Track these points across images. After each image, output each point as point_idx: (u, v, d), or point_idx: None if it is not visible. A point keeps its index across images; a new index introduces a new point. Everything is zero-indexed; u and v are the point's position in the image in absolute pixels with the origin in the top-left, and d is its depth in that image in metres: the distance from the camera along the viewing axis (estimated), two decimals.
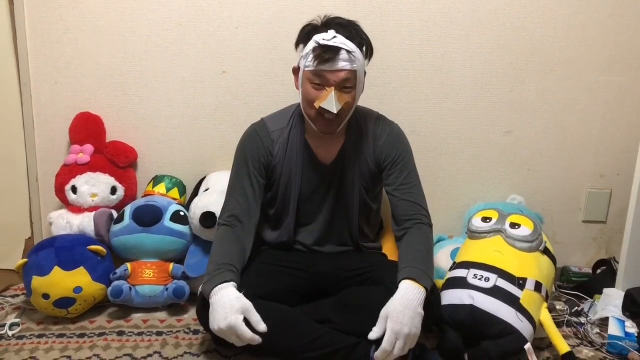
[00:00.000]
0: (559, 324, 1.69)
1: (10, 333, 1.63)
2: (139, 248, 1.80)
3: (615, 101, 1.99)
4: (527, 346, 1.46)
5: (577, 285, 1.96)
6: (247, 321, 1.32)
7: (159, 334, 1.65)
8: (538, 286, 1.57)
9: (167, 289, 1.77)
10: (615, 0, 1.90)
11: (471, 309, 1.51)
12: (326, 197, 1.65)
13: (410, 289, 1.35)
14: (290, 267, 1.60)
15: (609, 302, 1.71)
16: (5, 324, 1.66)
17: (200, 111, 1.97)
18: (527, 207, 1.95)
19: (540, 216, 1.96)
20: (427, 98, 1.97)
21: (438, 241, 1.97)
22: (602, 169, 2.05)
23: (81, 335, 1.63)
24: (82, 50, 1.91)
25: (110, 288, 1.72)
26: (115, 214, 1.89)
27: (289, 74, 1.59)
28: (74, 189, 1.88)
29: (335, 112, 1.44)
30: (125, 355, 1.54)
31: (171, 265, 1.81)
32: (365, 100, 1.66)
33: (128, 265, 1.79)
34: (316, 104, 1.47)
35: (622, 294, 1.70)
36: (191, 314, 1.76)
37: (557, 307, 1.83)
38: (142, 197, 1.95)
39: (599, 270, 1.99)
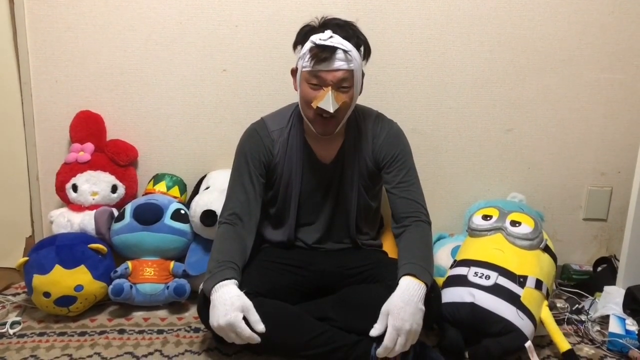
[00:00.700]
0: (559, 322, 1.70)
1: (11, 331, 1.63)
2: (140, 246, 1.80)
3: (616, 99, 1.98)
4: (528, 344, 1.46)
5: (578, 283, 1.96)
6: (246, 320, 1.33)
7: (160, 332, 1.65)
8: (539, 284, 1.57)
9: (168, 287, 1.77)
10: None
11: (472, 307, 1.51)
12: (326, 196, 1.65)
13: (410, 285, 1.36)
14: (291, 265, 1.60)
15: (610, 300, 1.71)
16: (7, 322, 1.66)
17: (200, 109, 1.97)
18: (527, 205, 1.95)
19: (541, 214, 1.96)
20: (427, 96, 1.97)
21: (439, 239, 1.97)
22: (603, 166, 2.04)
23: (82, 334, 1.63)
24: (83, 48, 1.91)
25: (111, 286, 1.72)
26: (116, 212, 1.89)
27: (289, 72, 1.59)
28: (74, 188, 1.88)
29: (332, 111, 1.44)
30: (126, 353, 1.54)
31: (172, 263, 1.81)
32: (366, 98, 1.66)
33: (129, 263, 1.79)
34: (314, 104, 1.46)
35: (623, 291, 1.70)
36: (192, 312, 1.76)
37: (558, 305, 1.83)
38: (143, 195, 1.95)
39: (599, 268, 1.99)
